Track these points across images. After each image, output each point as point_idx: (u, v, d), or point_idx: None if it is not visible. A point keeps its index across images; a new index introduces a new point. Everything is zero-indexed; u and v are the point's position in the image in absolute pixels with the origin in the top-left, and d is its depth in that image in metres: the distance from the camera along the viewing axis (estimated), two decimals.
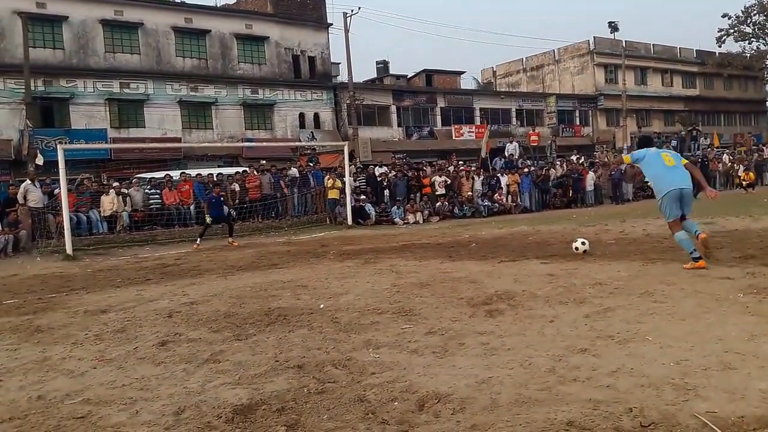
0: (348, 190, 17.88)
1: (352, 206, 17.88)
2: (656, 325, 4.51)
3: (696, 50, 51.25)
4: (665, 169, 6.88)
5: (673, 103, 49.24)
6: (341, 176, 18.49)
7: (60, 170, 13.60)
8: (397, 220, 18.53)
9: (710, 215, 12.36)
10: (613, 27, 43.94)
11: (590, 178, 22.90)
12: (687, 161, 7.21)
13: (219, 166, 23.74)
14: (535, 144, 29.33)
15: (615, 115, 44.93)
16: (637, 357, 3.80)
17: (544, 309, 5.24)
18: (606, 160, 26.85)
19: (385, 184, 20.08)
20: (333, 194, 18.44)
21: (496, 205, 20.67)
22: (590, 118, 44.82)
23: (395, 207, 18.92)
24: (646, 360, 3.73)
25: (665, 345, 4.01)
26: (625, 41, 45.58)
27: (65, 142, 18.64)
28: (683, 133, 36.78)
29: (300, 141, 29.43)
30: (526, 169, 22.69)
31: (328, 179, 18.77)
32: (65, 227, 13.33)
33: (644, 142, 7.86)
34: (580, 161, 25.49)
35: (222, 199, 14.97)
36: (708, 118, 51.00)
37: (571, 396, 3.23)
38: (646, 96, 47.10)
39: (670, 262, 7.20)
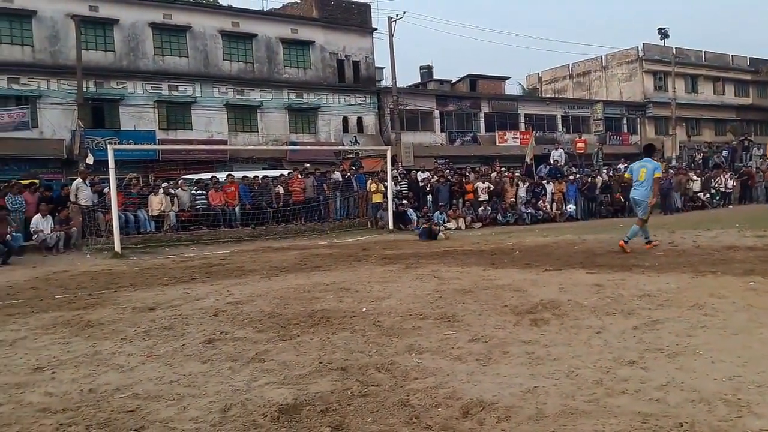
0: (390, 195, 17.92)
1: (393, 211, 17.91)
2: (707, 339, 4.39)
3: (749, 58, 49.63)
4: (635, 183, 9.87)
5: (725, 112, 47.76)
6: (383, 180, 18.55)
7: (110, 170, 14.00)
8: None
9: (764, 228, 11.97)
10: (663, 33, 42.92)
11: None
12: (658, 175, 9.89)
13: (263, 169, 24.09)
14: (582, 151, 28.78)
15: (664, 123, 43.85)
16: (688, 371, 3.71)
17: (590, 319, 5.15)
18: None
19: (427, 189, 20.02)
20: (377, 198, 18.49)
21: (540, 212, 20.38)
22: (638, 126, 43.86)
23: (437, 212, 18.85)
24: (697, 374, 3.65)
25: (717, 360, 3.91)
26: (675, 48, 44.48)
27: (115, 143, 19.18)
28: (735, 142, 35.59)
29: (343, 145, 29.64)
30: (571, 177, 22.31)
31: (372, 183, 18.84)
32: (114, 225, 13.70)
33: (647, 149, 10.71)
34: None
35: None
36: (761, 128, 49.30)
37: (620, 408, 3.17)
38: (696, 104, 45.82)
39: (721, 276, 7.00)
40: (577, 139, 31.12)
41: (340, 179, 19.61)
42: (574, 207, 20.94)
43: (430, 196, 19.82)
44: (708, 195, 24.86)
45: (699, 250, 9.62)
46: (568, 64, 49.42)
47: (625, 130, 43.33)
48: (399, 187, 19.50)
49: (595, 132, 40.93)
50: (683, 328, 4.70)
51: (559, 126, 40.52)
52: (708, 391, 3.35)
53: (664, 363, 3.90)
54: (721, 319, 4.94)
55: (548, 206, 20.76)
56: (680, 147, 40.96)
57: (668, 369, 3.77)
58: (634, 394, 3.38)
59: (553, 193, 21.14)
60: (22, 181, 16.62)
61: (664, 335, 4.54)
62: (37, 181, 18.10)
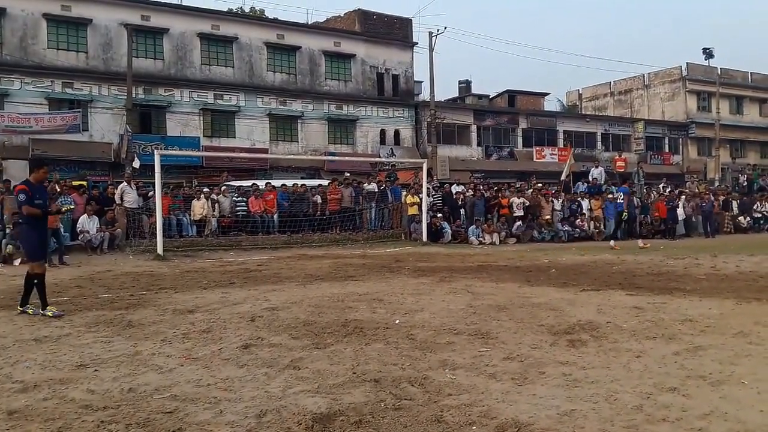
0: (424, 207, 17.91)
1: (427, 223, 17.88)
2: (753, 368, 4.26)
3: None
4: None
5: None
6: (419, 193, 18.56)
7: (156, 174, 14.37)
8: (472, 239, 18.34)
9: None
10: (708, 53, 42.02)
11: (680, 208, 21.93)
12: None
13: (302, 178, 24.37)
14: (621, 170, 28.31)
15: (707, 144, 42.81)
16: (732, 401, 3.61)
17: (630, 343, 5.05)
18: (696, 190, 25.59)
19: (459, 203, 19.92)
20: (413, 211, 18.51)
21: (578, 230, 20.09)
22: (680, 147, 42.89)
23: (473, 226, 18.74)
24: (741, 405, 3.54)
25: (763, 390, 3.78)
26: (721, 68, 43.44)
27: (161, 148, 19.65)
28: None
29: (380, 157, 29.77)
30: (610, 195, 21.94)
31: (407, 195, 18.86)
32: (158, 228, 14.04)
33: None
34: (669, 190, 24.41)
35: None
36: None
37: None
38: (741, 126, 44.63)
39: (766, 303, 6.80)
40: (617, 157, 30.62)
41: (376, 190, 19.69)
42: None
43: (463, 209, 19.71)
44: (749, 219, 24.12)
45: (742, 275, 9.37)
46: (609, 82, 48.79)
47: (667, 150, 42.46)
48: (432, 200, 19.43)
49: (635, 151, 40.21)
50: (727, 356, 4.57)
51: (599, 144, 39.96)
52: (754, 423, 3.24)
53: (706, 391, 3.80)
54: (766, 348, 4.79)
55: (585, 224, 20.45)
56: (723, 169, 39.91)
57: (711, 398, 3.67)
58: (676, 422, 3.29)
59: (590, 210, 20.83)
60: (74, 182, 17.15)
61: (706, 362, 4.43)
62: (85, 182, 18.66)
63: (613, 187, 22.82)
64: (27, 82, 24.37)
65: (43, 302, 6.76)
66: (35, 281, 6.80)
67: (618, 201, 17.20)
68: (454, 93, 44.76)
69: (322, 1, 59.13)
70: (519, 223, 19.30)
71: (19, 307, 6.84)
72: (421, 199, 18.15)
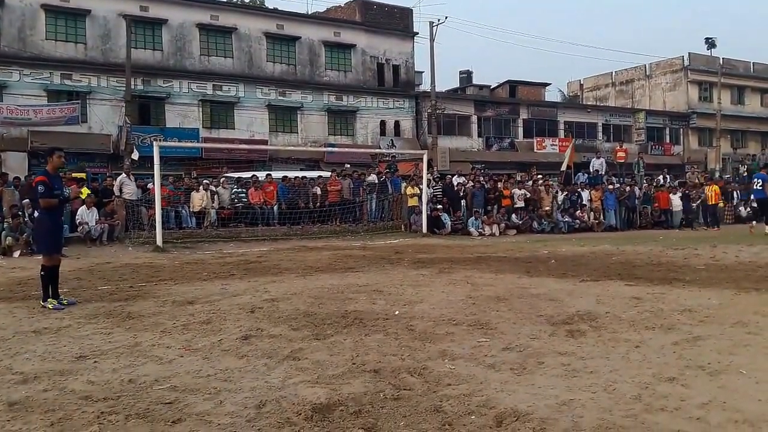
0: (424, 199, 17.89)
1: (427, 215, 17.87)
2: (751, 358, 4.27)
3: None
4: None
5: None
6: (419, 184, 18.54)
7: (155, 166, 14.35)
8: (472, 230, 18.33)
9: None
10: (710, 43, 41.83)
11: (677, 199, 21.93)
12: None
13: (301, 170, 24.32)
14: (622, 161, 28.27)
15: (708, 134, 42.71)
16: (730, 390, 3.62)
17: (629, 333, 5.06)
18: (696, 181, 25.55)
19: (461, 194, 19.89)
20: (413, 202, 18.49)
21: (577, 221, 20.07)
22: (681, 137, 42.80)
23: (473, 218, 18.72)
24: (739, 394, 3.55)
25: (762, 380, 3.79)
26: (723, 58, 43.26)
27: (160, 140, 19.60)
28: None
29: (380, 148, 29.71)
30: (610, 186, 21.91)
31: (407, 187, 18.84)
32: (157, 220, 14.05)
33: None
34: (668, 182, 24.38)
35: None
36: None
37: (659, 426, 3.11)
38: (742, 116, 44.50)
39: (765, 293, 6.80)
40: (618, 148, 30.53)
41: (376, 182, 19.66)
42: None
43: (464, 201, 19.69)
44: (748, 209, 24.04)
45: (742, 265, 9.37)
46: (611, 72, 48.60)
47: (668, 141, 42.36)
48: (433, 191, 19.41)
49: (636, 141, 40.13)
50: (726, 346, 4.58)
51: (600, 134, 39.87)
52: (752, 413, 3.25)
53: (705, 381, 3.81)
54: (765, 338, 4.80)
55: (586, 215, 20.43)
56: (723, 159, 39.84)
57: (710, 387, 3.68)
58: (674, 411, 3.30)
59: (590, 201, 20.82)
60: (72, 174, 17.13)
61: (705, 352, 4.44)
62: (84, 174, 18.62)
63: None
64: (26, 73, 24.28)
65: (45, 294, 6.74)
66: (43, 273, 6.76)
67: (756, 187, 16.48)
68: (455, 83, 44.61)
69: None
70: (514, 216, 19.28)
71: (41, 302, 6.74)
72: (421, 191, 18.13)
